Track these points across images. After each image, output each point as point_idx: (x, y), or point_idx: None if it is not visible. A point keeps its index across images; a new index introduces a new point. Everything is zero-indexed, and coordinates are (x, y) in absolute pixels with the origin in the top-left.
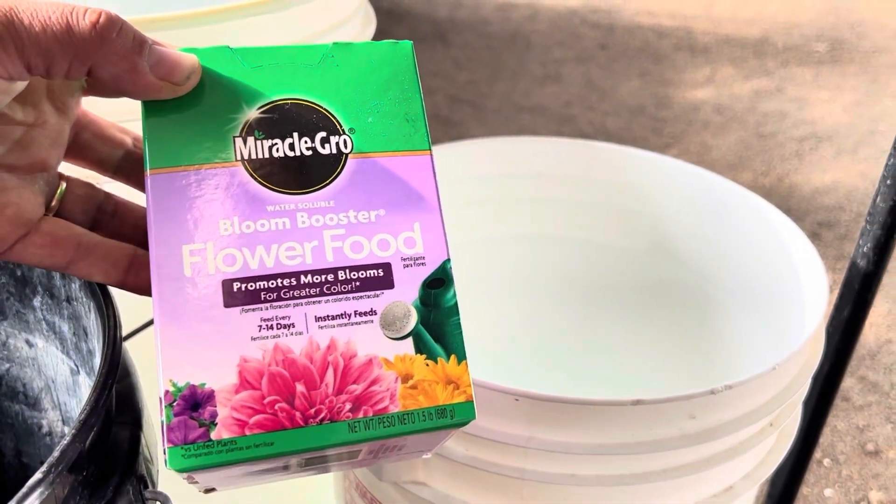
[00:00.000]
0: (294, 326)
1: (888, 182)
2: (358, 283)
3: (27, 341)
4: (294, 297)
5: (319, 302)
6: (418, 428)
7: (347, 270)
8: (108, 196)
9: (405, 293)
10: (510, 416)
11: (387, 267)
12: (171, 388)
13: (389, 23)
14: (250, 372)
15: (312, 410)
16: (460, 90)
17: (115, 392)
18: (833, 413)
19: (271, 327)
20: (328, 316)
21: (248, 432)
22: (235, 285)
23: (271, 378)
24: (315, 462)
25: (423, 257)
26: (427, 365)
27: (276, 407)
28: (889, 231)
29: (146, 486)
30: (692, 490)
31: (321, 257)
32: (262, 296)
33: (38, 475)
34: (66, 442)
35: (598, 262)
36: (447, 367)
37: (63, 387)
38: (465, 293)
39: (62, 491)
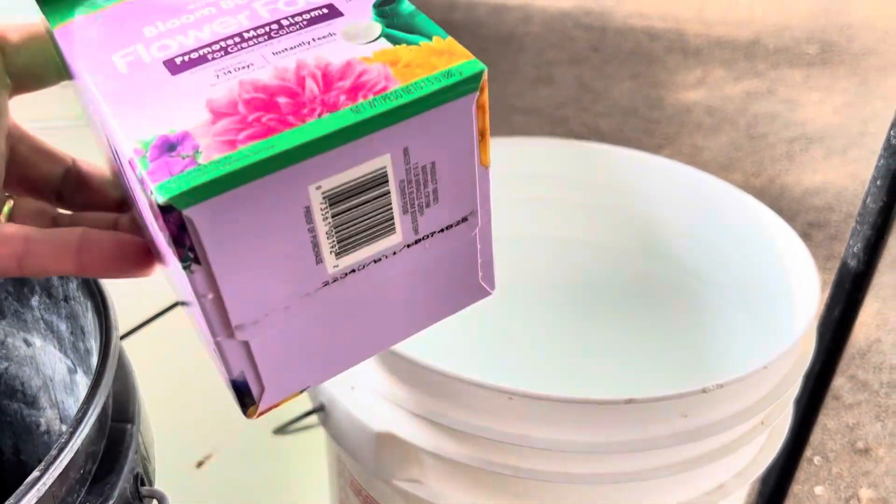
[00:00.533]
0: (253, 65)
1: (878, 183)
2: (305, 22)
3: (25, 340)
4: (240, 48)
5: (271, 42)
6: (428, 94)
7: (290, 17)
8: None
9: (359, 17)
10: (504, 414)
11: (330, 6)
12: (139, 145)
13: None
14: (221, 104)
15: (305, 111)
16: None
17: (112, 391)
18: (823, 411)
19: (228, 72)
20: (286, 49)
21: (240, 146)
22: (178, 59)
23: (247, 103)
24: (343, 203)
25: None
26: (410, 49)
27: (263, 119)
28: (879, 232)
29: (143, 484)
30: (684, 488)
31: (257, 17)
32: (209, 56)
33: (35, 473)
34: (63, 440)
35: (592, 261)
36: (433, 45)
37: (61, 385)
38: None
39: (60, 489)
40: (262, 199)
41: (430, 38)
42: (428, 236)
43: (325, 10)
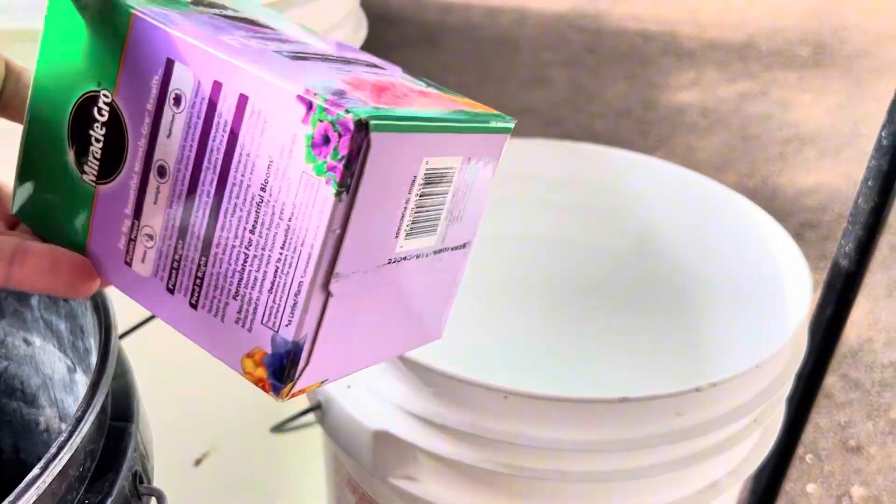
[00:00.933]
0: (351, 72)
1: (870, 184)
2: (364, 63)
3: (25, 339)
4: (333, 62)
5: (352, 65)
6: (493, 120)
7: (351, 57)
8: None
9: (396, 71)
10: (500, 413)
11: (370, 61)
12: (308, 86)
13: (380, 27)
14: (353, 82)
15: (424, 102)
16: None
17: (111, 389)
18: (815, 410)
19: (336, 70)
20: (365, 71)
21: (394, 106)
22: (286, 53)
23: (374, 87)
24: (429, 186)
25: (383, 65)
26: (455, 97)
27: (396, 97)
28: (870, 232)
29: (141, 482)
30: (678, 486)
31: (325, 52)
32: (312, 58)
33: (35, 471)
34: (62, 438)
35: (586, 261)
36: (468, 101)
37: (60, 384)
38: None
39: (59, 486)
40: (402, 153)
41: (461, 97)
42: (445, 250)
43: (373, 62)
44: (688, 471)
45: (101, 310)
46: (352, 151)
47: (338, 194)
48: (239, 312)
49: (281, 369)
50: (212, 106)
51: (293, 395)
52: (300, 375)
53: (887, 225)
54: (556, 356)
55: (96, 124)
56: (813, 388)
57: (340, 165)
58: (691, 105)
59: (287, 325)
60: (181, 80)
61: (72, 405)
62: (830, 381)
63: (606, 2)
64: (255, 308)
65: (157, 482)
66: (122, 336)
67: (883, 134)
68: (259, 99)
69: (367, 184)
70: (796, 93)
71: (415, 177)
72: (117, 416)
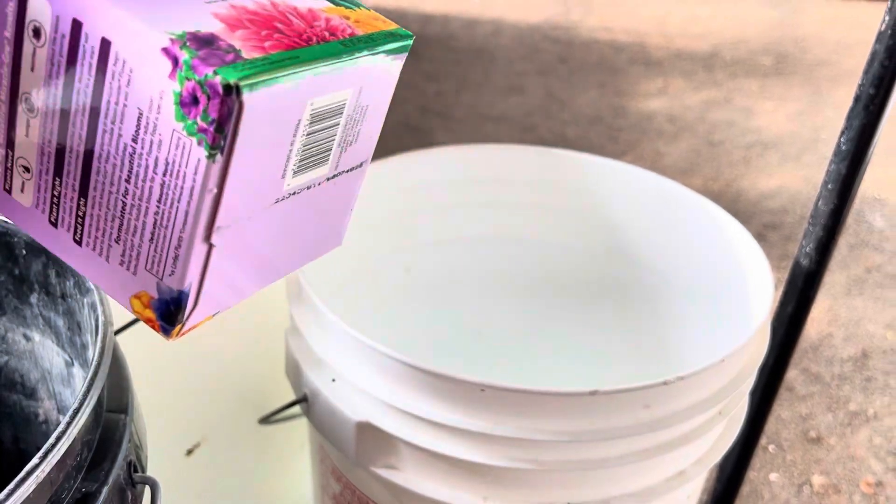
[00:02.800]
0: None
1: (829, 187)
2: None
3: (24, 335)
4: None
5: None
6: (386, 43)
7: None
8: None
9: None
10: (476, 405)
11: None
12: (172, 36)
13: None
14: (229, 19)
15: (305, 36)
16: (429, 101)
17: (107, 383)
18: (778, 402)
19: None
20: None
21: (271, 52)
22: None
23: (251, 21)
24: (316, 124)
25: None
26: (351, 10)
27: (275, 36)
28: (830, 232)
29: (136, 471)
30: (647, 475)
31: None
32: None
33: (34, 461)
34: (60, 429)
35: (559, 261)
36: (365, 11)
37: (58, 378)
38: (434, 291)
39: (57, 475)
40: (281, 102)
41: (358, 7)
42: (339, 174)
43: None
44: (656, 460)
45: (98, 307)
46: (222, 115)
47: (211, 156)
48: (122, 255)
49: (168, 313)
50: (73, 46)
51: (183, 334)
52: (189, 316)
53: (846, 226)
54: (530, 351)
55: None
56: (775, 382)
57: (211, 128)
58: (659, 112)
59: (171, 275)
60: (38, 12)
61: (69, 398)
62: (792, 374)
63: (578, 14)
64: (138, 254)
65: (150, 471)
66: (117, 332)
67: (842, 139)
68: (123, 46)
69: (243, 142)
70: (759, 100)
71: (299, 120)
72: (112, 409)
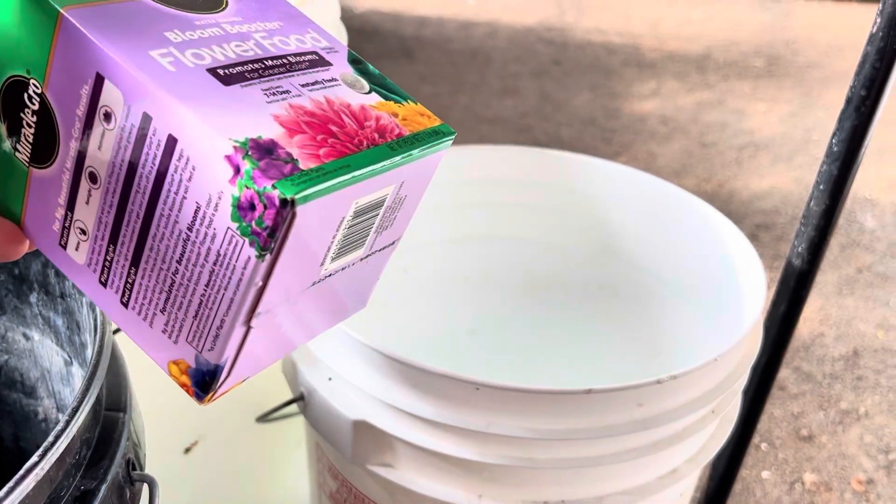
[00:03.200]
0: (290, 92)
1: (821, 187)
2: (307, 63)
3: (24, 334)
4: (271, 74)
5: (293, 75)
6: (430, 143)
7: (292, 56)
8: None
9: (341, 68)
10: (471, 403)
11: (315, 53)
12: (236, 144)
13: (360, 40)
14: (288, 122)
15: (356, 140)
16: (425, 102)
17: (106, 382)
18: (770, 401)
19: (274, 94)
20: (308, 83)
21: (325, 160)
22: (220, 71)
23: (308, 125)
24: (360, 219)
25: (332, 47)
26: (400, 106)
27: (330, 142)
28: (822, 233)
29: (134, 469)
30: (640, 472)
31: (265, 49)
32: (247, 75)
33: (34, 458)
34: (59, 428)
35: (553, 261)
36: (413, 106)
37: (57, 377)
38: (430, 291)
39: (56, 473)
40: (330, 206)
41: (406, 100)
42: (373, 253)
43: (316, 56)
44: (649, 458)
45: (97, 307)
46: (276, 223)
47: (260, 257)
48: (166, 325)
49: (203, 383)
50: (141, 136)
51: (214, 399)
52: (221, 385)
53: (837, 226)
54: (525, 350)
55: (27, 110)
56: (767, 381)
57: (265, 233)
58: (652, 114)
59: (210, 350)
60: (111, 99)
61: (68, 396)
62: (784, 373)
63: (572, 16)
64: (181, 327)
65: (148, 469)
66: (115, 331)
67: (833, 141)
68: (188, 145)
69: (291, 244)
70: (751, 102)
71: (343, 218)
72: (111, 407)
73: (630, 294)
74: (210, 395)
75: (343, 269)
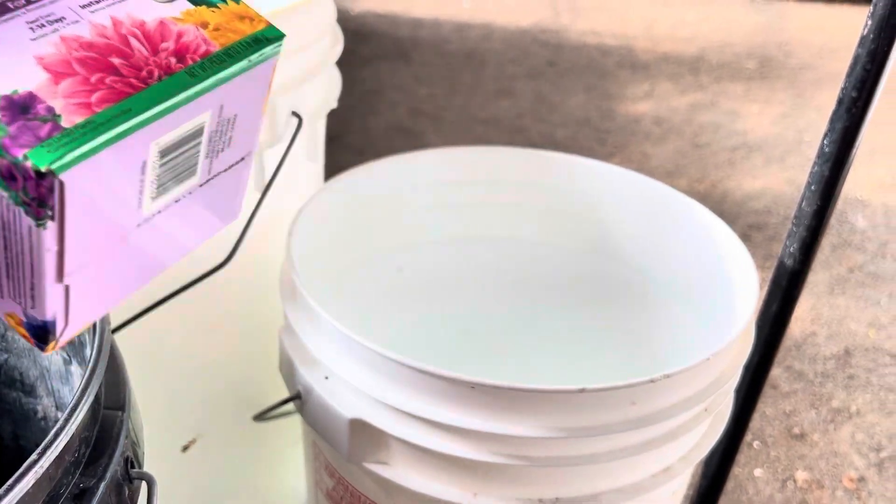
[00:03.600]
0: (65, 19)
1: (812, 188)
2: None
3: None
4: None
5: None
6: (246, 57)
7: None
8: None
9: None
10: (466, 403)
11: None
12: None
13: (356, 42)
14: (55, 64)
15: (144, 72)
16: (421, 103)
17: (104, 380)
18: (762, 399)
19: (42, 25)
20: (91, 2)
21: (97, 108)
22: None
23: (81, 62)
24: (169, 154)
25: None
26: (213, 11)
27: (108, 81)
28: (813, 233)
29: (132, 467)
30: (633, 470)
31: None
32: (8, 3)
33: (33, 457)
34: (59, 426)
35: (548, 261)
36: (231, 9)
37: (56, 375)
38: (426, 290)
39: (55, 471)
40: (116, 157)
41: (224, 0)
42: (216, 175)
43: None
44: (642, 457)
45: None
46: (42, 194)
47: (40, 225)
48: (17, 296)
49: (39, 335)
50: None
51: (60, 346)
52: (62, 334)
53: (829, 226)
54: (521, 350)
55: None
56: (760, 379)
57: (34, 204)
58: (646, 115)
59: (33, 308)
60: None
61: (67, 395)
62: (776, 372)
63: (567, 18)
64: (2, 285)
65: (147, 467)
66: (114, 330)
67: (825, 142)
68: None
69: (73, 208)
70: (744, 103)
71: (144, 161)
72: (110, 405)
73: (623, 294)
74: (52, 344)
75: (177, 200)
